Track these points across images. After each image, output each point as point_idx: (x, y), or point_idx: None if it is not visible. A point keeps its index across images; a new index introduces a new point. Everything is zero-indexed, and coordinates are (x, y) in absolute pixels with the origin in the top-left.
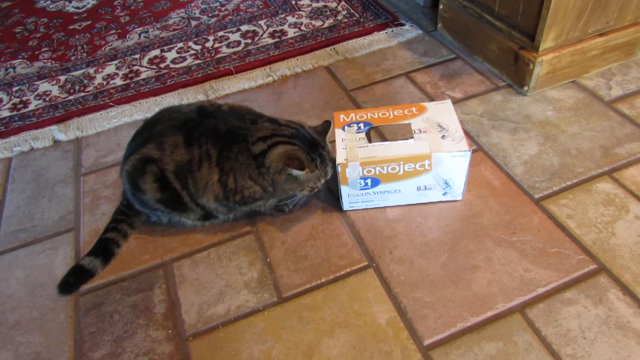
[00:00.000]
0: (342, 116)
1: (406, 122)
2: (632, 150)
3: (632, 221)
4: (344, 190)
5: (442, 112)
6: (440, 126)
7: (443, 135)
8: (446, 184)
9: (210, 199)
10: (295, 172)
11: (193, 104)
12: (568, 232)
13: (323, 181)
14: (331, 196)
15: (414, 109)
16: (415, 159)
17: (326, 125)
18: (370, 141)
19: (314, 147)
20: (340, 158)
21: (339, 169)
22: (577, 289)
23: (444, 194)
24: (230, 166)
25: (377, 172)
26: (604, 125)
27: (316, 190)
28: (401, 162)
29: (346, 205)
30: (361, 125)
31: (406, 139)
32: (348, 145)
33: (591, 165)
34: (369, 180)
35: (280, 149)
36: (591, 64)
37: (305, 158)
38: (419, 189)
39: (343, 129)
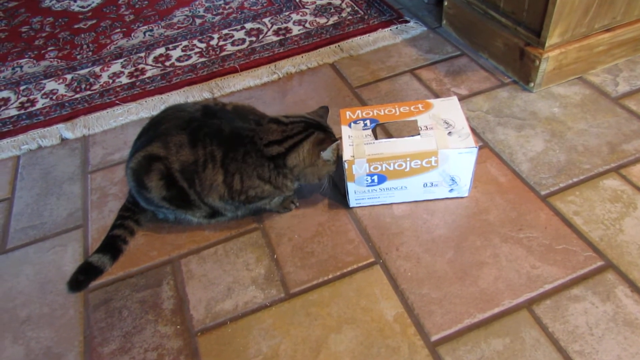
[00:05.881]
0: (348, 113)
1: (412, 118)
2: (639, 146)
3: (639, 218)
4: (351, 187)
5: (448, 108)
6: (446, 123)
7: (449, 132)
8: (452, 180)
9: (216, 199)
10: (329, 150)
11: (198, 103)
12: (575, 229)
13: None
14: (337, 193)
15: (420, 105)
16: (422, 155)
17: (324, 110)
18: (376, 138)
19: (322, 126)
20: (347, 155)
21: (346, 165)
22: (584, 285)
23: (450, 190)
24: (236, 167)
25: (384, 169)
26: (610, 122)
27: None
28: (408, 159)
29: (353, 202)
30: (367, 122)
31: (412, 136)
32: (355, 142)
33: (598, 162)
34: (375, 177)
35: (307, 146)
36: (598, 60)
37: (326, 136)
38: (425, 185)
39: (349, 125)
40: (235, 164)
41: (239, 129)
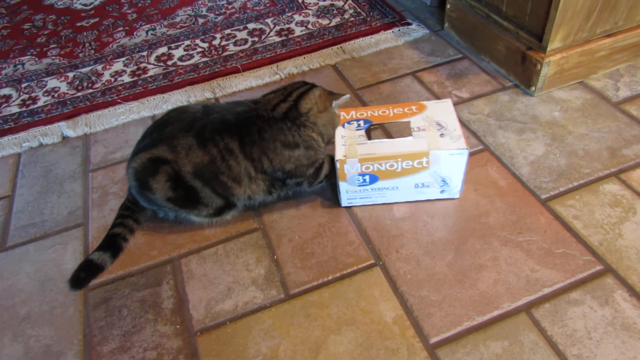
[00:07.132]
0: (342, 113)
1: (405, 120)
2: (639, 151)
3: (639, 223)
4: (342, 186)
5: (442, 110)
6: (439, 124)
7: (442, 134)
8: (444, 181)
9: (256, 190)
10: (341, 100)
11: (199, 104)
12: (574, 233)
13: None
14: (336, 194)
15: (413, 107)
16: (413, 156)
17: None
18: (369, 138)
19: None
20: (339, 154)
21: (338, 165)
22: (583, 289)
23: (442, 191)
24: (259, 149)
25: (376, 169)
26: (611, 127)
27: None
28: (399, 159)
29: (344, 202)
30: (361, 122)
31: (405, 137)
32: (347, 142)
33: (598, 167)
34: (367, 177)
35: (317, 92)
36: (599, 65)
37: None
38: (416, 186)
39: (343, 125)
40: (255, 147)
41: (241, 114)
